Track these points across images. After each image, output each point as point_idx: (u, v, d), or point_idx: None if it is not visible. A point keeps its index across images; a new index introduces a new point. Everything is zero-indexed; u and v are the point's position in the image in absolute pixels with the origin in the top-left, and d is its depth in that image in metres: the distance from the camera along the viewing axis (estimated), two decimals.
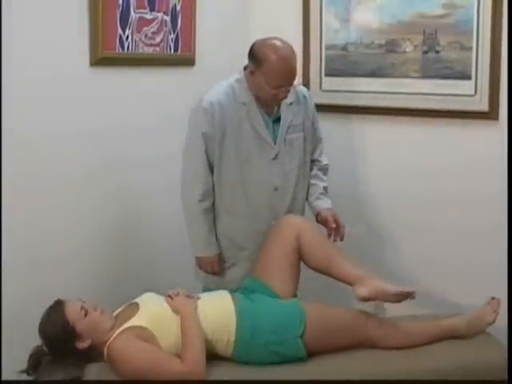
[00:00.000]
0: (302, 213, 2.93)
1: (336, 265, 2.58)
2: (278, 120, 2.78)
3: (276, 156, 2.76)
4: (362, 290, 2.47)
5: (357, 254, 3.39)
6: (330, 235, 2.84)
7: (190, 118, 2.75)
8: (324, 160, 3.00)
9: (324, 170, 2.99)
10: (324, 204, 2.89)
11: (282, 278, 2.62)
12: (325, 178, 2.98)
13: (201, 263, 2.82)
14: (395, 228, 3.36)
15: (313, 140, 2.93)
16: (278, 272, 2.62)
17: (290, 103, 2.80)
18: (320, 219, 2.88)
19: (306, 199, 2.94)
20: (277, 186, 2.78)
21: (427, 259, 3.29)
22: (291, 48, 2.64)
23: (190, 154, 2.73)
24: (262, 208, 2.78)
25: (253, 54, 2.65)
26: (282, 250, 2.64)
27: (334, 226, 2.81)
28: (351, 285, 2.52)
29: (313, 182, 2.94)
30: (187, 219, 2.78)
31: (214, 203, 2.78)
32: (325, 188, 2.94)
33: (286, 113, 2.78)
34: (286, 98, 2.71)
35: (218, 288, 2.71)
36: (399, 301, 2.48)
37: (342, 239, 2.85)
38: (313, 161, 2.96)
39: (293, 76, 2.65)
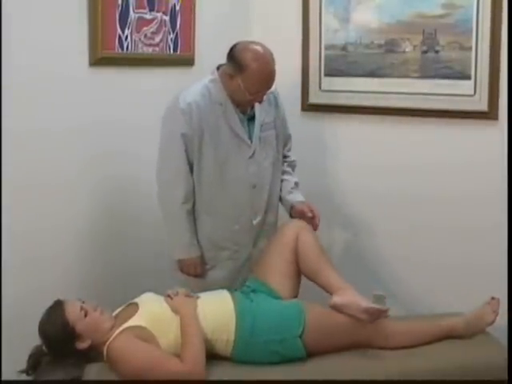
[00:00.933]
0: (277, 208, 2.95)
1: (321, 272, 2.60)
2: (251, 118, 2.79)
3: (253, 154, 2.77)
4: (337, 299, 2.48)
5: (353, 253, 3.44)
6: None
7: (165, 117, 2.72)
8: (292, 156, 3.02)
9: (292, 166, 3.01)
10: (296, 198, 2.91)
11: (280, 277, 2.63)
12: (294, 173, 3.00)
13: (183, 266, 2.79)
14: (395, 227, 3.36)
15: (284, 137, 2.95)
16: (276, 271, 2.63)
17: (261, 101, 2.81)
18: (294, 212, 2.87)
19: (280, 198, 2.94)
20: (255, 184, 2.79)
21: (426, 258, 3.29)
22: (271, 55, 2.64)
23: (170, 156, 2.70)
24: (241, 206, 2.79)
25: (233, 58, 2.63)
26: (280, 249, 2.66)
27: (310, 215, 2.80)
28: (331, 294, 2.53)
29: (284, 177, 2.95)
30: (169, 222, 2.75)
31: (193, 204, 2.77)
32: (296, 183, 2.96)
33: (259, 110, 2.79)
34: (261, 102, 2.73)
35: (198, 291, 2.70)
36: (371, 318, 2.42)
37: (315, 229, 2.82)
38: (283, 157, 2.98)
39: (271, 83, 2.67)
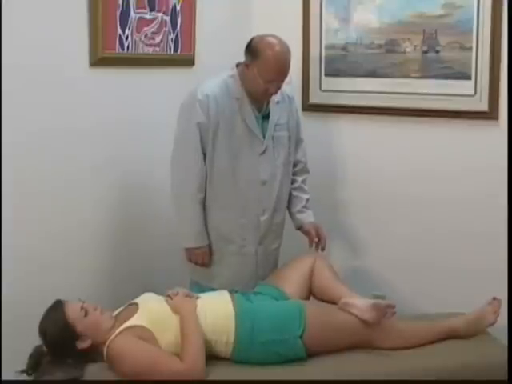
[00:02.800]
0: (285, 209, 2.99)
1: (334, 288, 2.65)
2: (266, 117, 2.83)
3: (264, 151, 2.81)
4: (346, 299, 2.53)
5: (353, 253, 3.44)
6: (311, 246, 2.93)
7: (181, 112, 2.77)
8: (306, 161, 3.05)
9: (305, 181, 3.05)
10: (307, 218, 2.98)
11: (294, 287, 2.66)
12: (306, 188, 3.04)
13: (191, 255, 2.83)
14: (394, 227, 3.36)
15: (296, 140, 2.98)
16: (290, 281, 2.67)
17: (277, 102, 2.86)
18: (303, 231, 2.97)
19: (289, 210, 3.01)
20: (265, 180, 2.82)
21: (426, 259, 3.29)
22: (287, 47, 2.72)
23: (185, 145, 2.75)
24: (250, 201, 2.82)
25: (250, 47, 2.72)
26: (299, 265, 2.73)
27: (316, 240, 2.91)
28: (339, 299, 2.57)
29: (295, 193, 3.00)
30: (181, 210, 2.79)
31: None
32: (307, 200, 3.02)
33: (274, 110, 2.85)
34: (276, 93, 2.77)
35: (204, 281, 2.82)
36: (378, 315, 2.46)
37: (323, 250, 2.92)
38: (295, 164, 3.00)
39: (285, 72, 2.72)
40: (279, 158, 2.87)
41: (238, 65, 2.80)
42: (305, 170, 3.06)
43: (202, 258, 2.82)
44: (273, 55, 2.66)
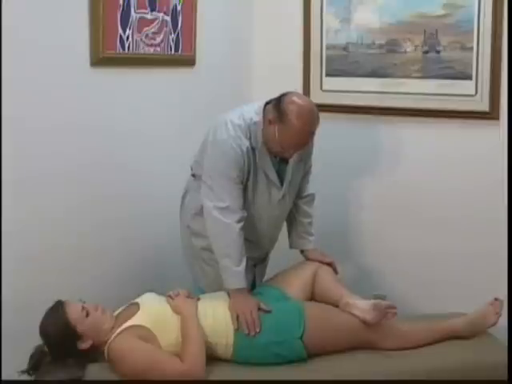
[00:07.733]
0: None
1: (335, 289, 2.64)
2: (283, 159, 2.70)
3: (283, 197, 2.72)
4: (348, 299, 2.53)
5: (353, 253, 3.44)
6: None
7: (217, 155, 2.58)
8: (310, 189, 2.91)
9: (310, 202, 2.91)
10: (307, 244, 2.86)
11: (294, 290, 2.65)
12: (310, 210, 2.90)
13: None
14: (395, 226, 3.37)
15: (306, 170, 2.87)
16: (292, 284, 2.67)
17: None
18: (306, 259, 2.85)
19: (287, 227, 2.90)
20: (278, 223, 2.80)
21: (426, 259, 3.29)
22: (317, 117, 2.55)
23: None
24: (265, 238, 2.79)
25: (279, 105, 2.53)
26: (300, 271, 2.72)
27: (328, 260, 2.79)
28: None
29: (297, 217, 2.88)
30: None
31: None
32: (309, 224, 2.89)
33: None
34: (290, 157, 2.65)
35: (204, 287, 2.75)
36: (379, 315, 2.46)
37: (337, 273, 2.82)
38: (300, 190, 2.87)
39: (305, 145, 2.60)
40: (292, 196, 2.79)
41: (266, 104, 2.60)
42: (307, 200, 2.90)
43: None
44: (298, 126, 2.48)
